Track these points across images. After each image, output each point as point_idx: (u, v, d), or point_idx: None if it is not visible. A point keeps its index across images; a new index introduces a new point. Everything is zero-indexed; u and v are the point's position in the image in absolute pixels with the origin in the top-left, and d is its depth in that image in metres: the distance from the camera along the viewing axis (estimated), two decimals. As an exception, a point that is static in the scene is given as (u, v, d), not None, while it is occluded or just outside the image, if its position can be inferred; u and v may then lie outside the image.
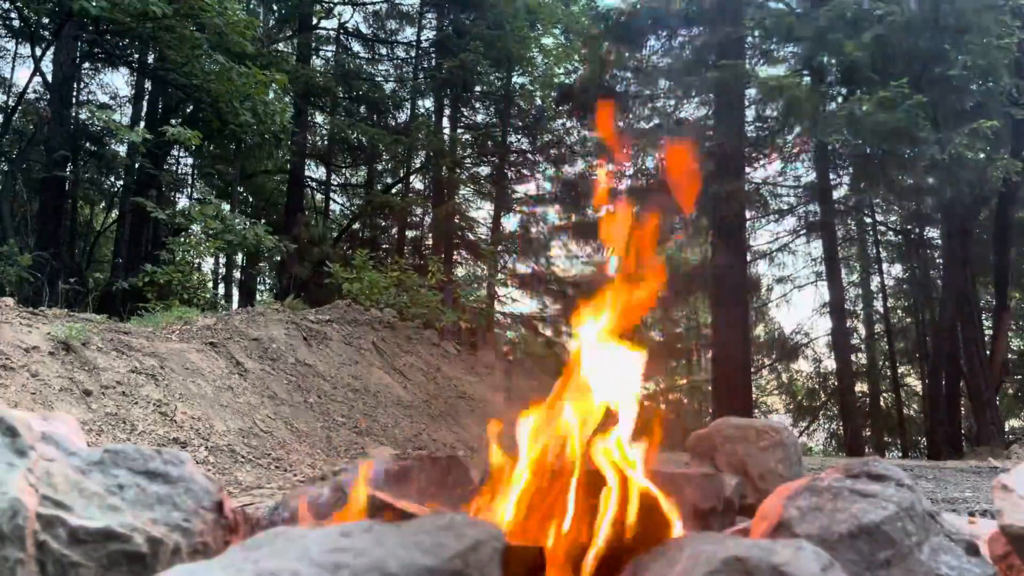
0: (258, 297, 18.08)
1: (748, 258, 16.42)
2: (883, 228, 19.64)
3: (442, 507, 1.88)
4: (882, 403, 19.93)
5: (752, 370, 17.18)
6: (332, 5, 16.39)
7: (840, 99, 11.60)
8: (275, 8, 15.59)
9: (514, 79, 16.83)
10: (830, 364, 19.50)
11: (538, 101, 16.78)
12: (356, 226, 18.15)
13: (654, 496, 1.55)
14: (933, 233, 17.27)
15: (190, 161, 17.79)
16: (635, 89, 14.76)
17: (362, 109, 16.79)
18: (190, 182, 18.32)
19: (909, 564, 1.35)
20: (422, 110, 17.23)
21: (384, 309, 9.96)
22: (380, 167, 18.42)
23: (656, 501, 1.54)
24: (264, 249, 10.11)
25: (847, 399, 14.78)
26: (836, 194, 15.86)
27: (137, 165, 13.05)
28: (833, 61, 10.87)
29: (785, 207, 17.13)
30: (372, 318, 9.36)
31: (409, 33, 17.73)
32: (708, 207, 13.19)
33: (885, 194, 14.23)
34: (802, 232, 17.90)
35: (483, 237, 17.32)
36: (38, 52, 10.98)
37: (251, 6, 14.42)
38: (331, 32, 17.39)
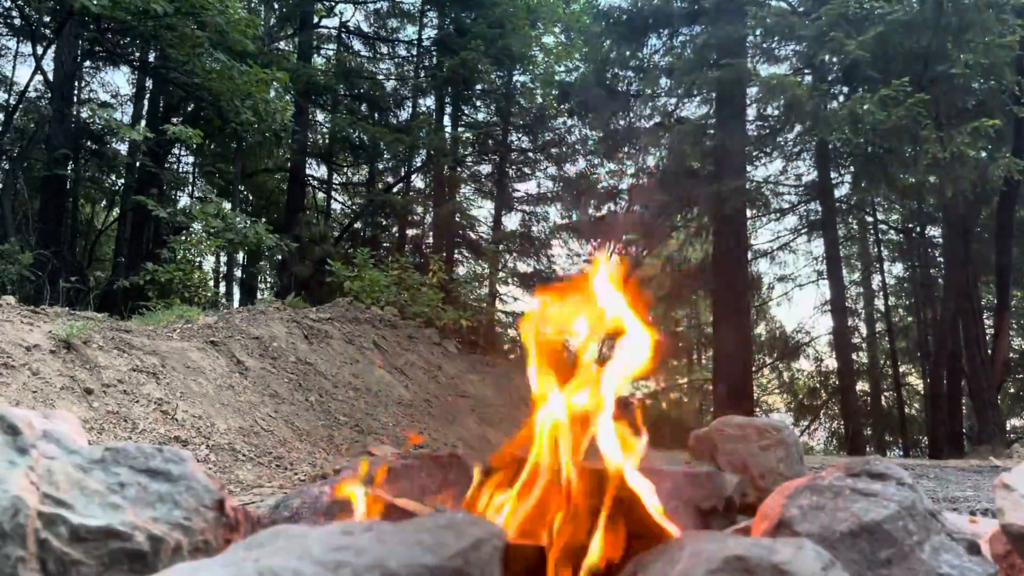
0: (259, 295, 18.09)
1: (749, 257, 16.42)
2: (884, 227, 19.66)
3: (443, 505, 1.88)
4: (883, 402, 19.93)
5: (753, 369, 17.18)
6: (333, 3, 16.39)
7: (841, 98, 11.59)
8: (276, 6, 15.58)
9: (515, 77, 16.82)
10: (831, 363, 19.53)
11: (539, 99, 16.78)
12: (357, 225, 18.15)
13: (640, 496, 1.54)
14: (934, 232, 17.28)
15: (191, 159, 17.82)
16: (636, 88, 14.76)
17: (363, 107, 16.79)
18: (191, 180, 18.33)
19: (910, 563, 1.35)
20: (423, 108, 17.23)
21: (385, 307, 9.97)
22: (381, 166, 18.41)
23: (641, 501, 1.53)
24: (265, 248, 10.12)
25: (848, 398, 14.77)
26: (837, 193, 15.86)
27: (138, 163, 13.07)
28: (834, 60, 10.85)
29: (786, 206, 17.15)
30: (373, 316, 9.37)
31: (410, 31, 17.74)
32: (709, 205, 13.19)
33: (886, 193, 14.23)
34: (803, 231, 17.91)
35: (484, 236, 17.32)
36: (39, 50, 10.99)
37: (252, 4, 14.43)
38: (332, 30, 17.40)
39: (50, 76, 11.33)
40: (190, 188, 18.38)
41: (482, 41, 14.16)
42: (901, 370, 19.95)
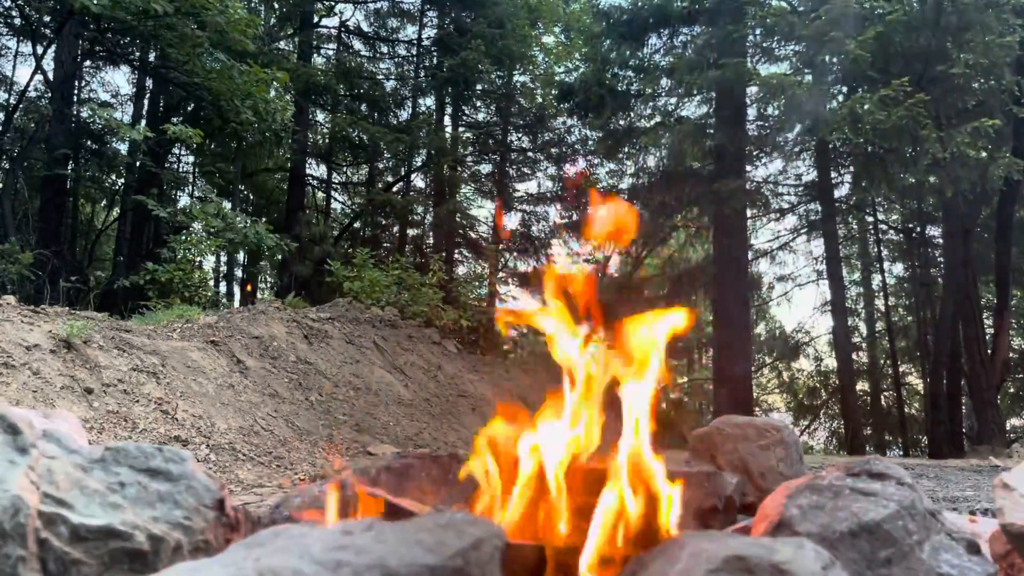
0: (259, 295, 18.08)
1: (749, 256, 16.42)
2: (884, 227, 19.66)
3: (443, 505, 1.88)
4: (883, 402, 19.94)
5: (753, 368, 17.18)
6: (333, 3, 16.38)
7: (841, 97, 11.59)
8: (276, 6, 15.58)
9: (515, 77, 16.83)
10: (831, 363, 19.54)
11: (539, 99, 16.78)
12: (357, 224, 18.16)
13: (655, 495, 1.55)
14: (934, 232, 17.28)
15: (191, 159, 17.82)
16: (636, 88, 14.75)
17: (363, 107, 16.78)
18: (191, 180, 18.33)
19: (910, 562, 1.35)
20: (423, 108, 17.22)
21: (385, 307, 9.97)
22: (381, 165, 18.41)
23: (656, 500, 1.54)
24: (265, 247, 10.11)
25: (848, 398, 14.77)
26: (837, 193, 15.87)
27: (138, 163, 13.08)
28: (834, 59, 10.85)
29: (786, 205, 17.15)
30: (373, 316, 9.37)
31: (410, 31, 17.74)
32: (709, 205, 13.19)
33: (886, 193, 14.22)
34: (803, 231, 17.91)
35: (484, 236, 17.33)
36: (39, 50, 10.99)
37: (252, 4, 14.42)
38: (332, 30, 17.39)
39: (50, 76, 11.33)
40: (190, 188, 18.38)
41: (482, 41, 14.16)
42: (901, 370, 19.95)
